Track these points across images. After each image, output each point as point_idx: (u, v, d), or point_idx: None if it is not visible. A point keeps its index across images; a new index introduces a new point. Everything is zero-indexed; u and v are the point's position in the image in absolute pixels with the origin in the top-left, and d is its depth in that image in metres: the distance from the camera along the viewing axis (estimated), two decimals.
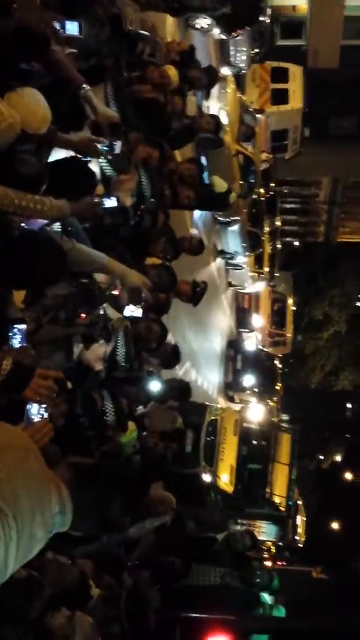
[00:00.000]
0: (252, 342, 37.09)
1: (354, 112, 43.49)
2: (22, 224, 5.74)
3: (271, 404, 42.69)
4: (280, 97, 31.93)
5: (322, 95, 37.01)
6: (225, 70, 23.76)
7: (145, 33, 8.60)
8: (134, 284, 6.94)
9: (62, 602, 6.10)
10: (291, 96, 32.18)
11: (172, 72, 9.54)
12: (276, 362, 38.94)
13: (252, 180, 26.87)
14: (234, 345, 34.77)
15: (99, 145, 6.53)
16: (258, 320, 38.88)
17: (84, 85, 6.48)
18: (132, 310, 6.93)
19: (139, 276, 7.17)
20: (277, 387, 39.92)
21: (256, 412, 36.68)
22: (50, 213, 5.78)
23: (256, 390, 36.08)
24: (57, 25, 6.42)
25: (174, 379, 11.90)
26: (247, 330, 37.70)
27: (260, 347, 38.30)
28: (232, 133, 23.84)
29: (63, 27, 6.56)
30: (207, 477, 20.10)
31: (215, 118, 11.38)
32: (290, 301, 42.31)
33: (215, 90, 22.20)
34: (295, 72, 32.23)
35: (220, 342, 31.82)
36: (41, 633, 5.74)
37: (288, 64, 32.35)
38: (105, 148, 6.63)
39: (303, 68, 33.04)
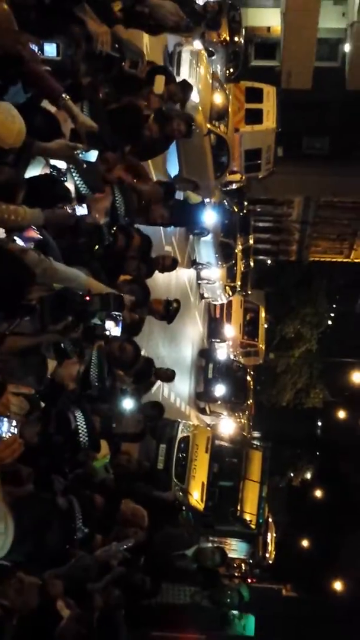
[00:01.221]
0: (223, 352, 36.79)
1: (326, 132, 43.91)
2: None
3: (243, 420, 42.66)
4: (255, 116, 32.09)
5: (295, 115, 37.36)
6: (197, 44, 22.70)
7: (115, 54, 8.64)
8: None
9: (31, 625, 6.09)
10: (265, 116, 32.33)
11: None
12: (248, 372, 38.76)
13: (224, 160, 26.39)
14: (205, 354, 34.54)
15: (76, 152, 6.57)
16: (230, 330, 38.56)
17: (63, 95, 6.54)
18: (111, 329, 6.94)
19: (118, 293, 7.19)
20: (248, 400, 39.76)
21: (227, 426, 36.69)
22: (24, 222, 5.80)
23: (227, 402, 35.94)
24: (35, 48, 6.47)
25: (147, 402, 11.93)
26: (218, 340, 37.44)
27: (232, 357, 38.07)
28: (204, 111, 23.13)
29: (41, 49, 6.62)
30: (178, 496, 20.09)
31: (186, 118, 11.37)
32: (263, 311, 42.10)
33: (186, 66, 22.03)
34: (269, 92, 32.42)
35: (191, 352, 31.54)
36: None
37: (262, 84, 32.56)
38: (83, 155, 6.67)
39: (277, 88, 33.26)
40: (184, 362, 29.61)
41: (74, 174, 7.36)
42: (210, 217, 27.14)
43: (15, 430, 4.87)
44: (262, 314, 41.87)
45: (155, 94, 10.46)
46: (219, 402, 35.72)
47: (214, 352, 35.87)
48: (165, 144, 11.15)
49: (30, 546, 4.04)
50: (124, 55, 8.97)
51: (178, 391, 26.78)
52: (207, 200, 25.52)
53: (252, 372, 41.63)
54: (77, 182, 7.46)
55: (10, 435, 4.82)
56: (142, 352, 14.19)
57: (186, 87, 11.57)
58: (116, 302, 6.60)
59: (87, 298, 6.22)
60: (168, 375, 12.60)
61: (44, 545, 4.21)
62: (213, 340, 37.26)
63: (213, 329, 37.63)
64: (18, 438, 4.70)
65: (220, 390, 34.26)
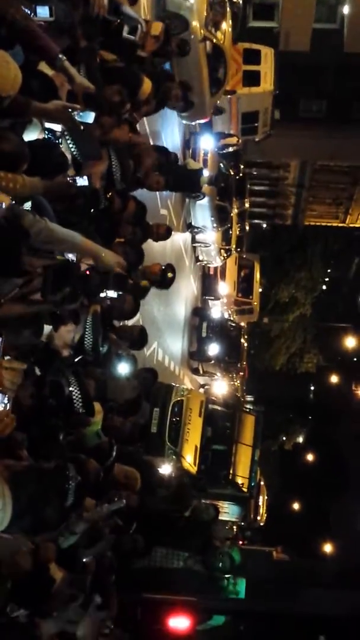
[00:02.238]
0: (217, 310, 36.37)
1: (324, 95, 43.52)
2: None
3: (236, 381, 42.68)
4: (252, 78, 31.80)
5: (292, 78, 36.99)
6: None
7: (112, 19, 8.54)
8: (109, 264, 6.91)
9: (24, 591, 6.11)
10: (262, 78, 32.04)
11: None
12: (242, 333, 38.45)
13: (221, 75, 24.90)
14: (199, 313, 34.09)
15: (74, 113, 6.49)
16: (224, 287, 37.97)
17: (60, 55, 6.45)
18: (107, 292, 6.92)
19: (114, 255, 7.15)
20: (242, 361, 39.65)
21: (221, 387, 36.68)
22: (22, 190, 5.72)
23: (221, 361, 35.83)
24: (27, 10, 6.36)
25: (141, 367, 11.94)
26: (212, 297, 36.97)
27: (227, 316, 37.65)
28: (200, 16, 21.46)
29: (34, 12, 6.52)
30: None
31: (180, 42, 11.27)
32: (257, 267, 41.38)
33: None
34: (267, 54, 32.09)
35: (184, 312, 31.17)
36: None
37: (260, 45, 32.24)
38: (80, 117, 6.60)
39: (275, 50, 32.93)
40: (178, 321, 29.48)
41: (68, 142, 7.28)
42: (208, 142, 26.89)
43: (8, 405, 4.84)
44: (257, 270, 41.13)
45: (152, 36, 10.39)
46: (213, 362, 35.55)
47: (208, 310, 35.44)
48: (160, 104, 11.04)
49: (29, 521, 4.04)
50: (122, 21, 8.86)
51: (172, 352, 26.78)
52: (199, 120, 24.54)
53: (246, 336, 41.52)
54: (72, 150, 7.38)
55: (2, 409, 4.80)
56: (138, 316, 14.20)
57: (184, 44, 11.48)
58: (116, 281, 6.59)
59: (87, 273, 6.19)
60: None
61: (43, 521, 4.21)
62: (207, 297, 36.77)
63: (207, 287, 36.90)
64: (10, 413, 4.66)
65: (214, 349, 33.87)
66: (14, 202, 5.87)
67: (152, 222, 11.28)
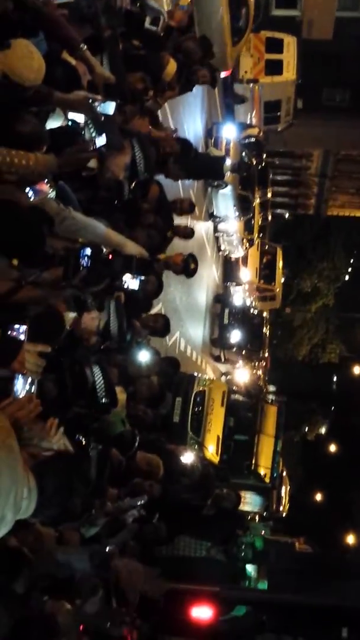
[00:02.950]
0: (239, 297, 36.05)
1: (347, 84, 43.17)
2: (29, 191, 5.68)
3: (258, 370, 42.49)
4: (274, 67, 31.68)
5: (315, 66, 36.72)
6: None
7: (135, 10, 8.54)
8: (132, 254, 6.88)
9: (48, 579, 6.12)
10: (285, 67, 31.91)
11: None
12: (265, 321, 38.17)
13: (242, 24, 23.81)
14: (220, 299, 33.94)
15: (95, 104, 6.46)
16: (246, 273, 37.60)
17: (81, 45, 6.43)
18: (130, 281, 6.88)
19: (136, 247, 7.12)
20: (264, 349, 39.42)
21: (243, 375, 36.53)
22: (36, 167, 5.67)
23: (243, 348, 35.65)
24: None
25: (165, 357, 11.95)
26: (234, 283, 36.57)
27: (249, 303, 37.37)
28: None
29: None
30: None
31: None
32: (280, 254, 40.91)
33: None
34: (290, 42, 31.95)
35: (205, 298, 31.03)
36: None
37: (282, 34, 32.08)
38: (101, 107, 6.57)
39: (297, 39, 32.74)
40: (199, 309, 29.40)
41: (91, 131, 7.23)
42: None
43: (32, 389, 4.82)
44: (280, 257, 40.68)
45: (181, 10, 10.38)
46: (235, 349, 35.39)
47: (230, 297, 35.20)
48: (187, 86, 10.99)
49: (55, 511, 4.02)
50: (144, 12, 8.84)
51: (193, 341, 26.75)
52: (221, 73, 22.88)
53: (268, 326, 41.33)
54: (95, 138, 7.33)
55: (27, 394, 4.77)
56: (160, 305, 14.18)
57: (205, 43, 11.40)
58: (139, 264, 6.55)
59: (110, 256, 6.15)
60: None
61: (68, 509, 4.19)
62: (228, 284, 36.51)
63: (229, 273, 36.64)
64: (35, 397, 4.63)
65: (236, 336, 33.79)
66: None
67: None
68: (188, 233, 11.43)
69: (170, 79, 9.18)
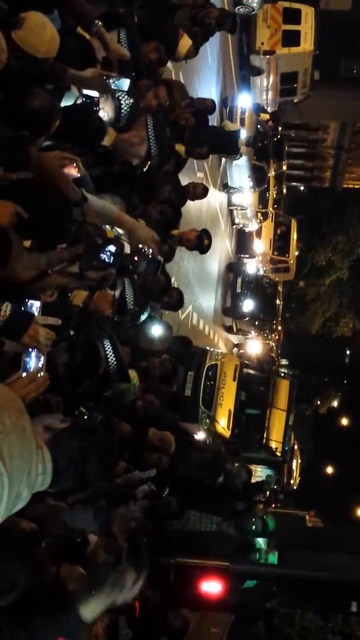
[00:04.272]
0: (253, 266, 35.60)
1: None
2: None
3: (271, 341, 42.34)
4: (292, 38, 31.38)
5: (333, 37, 36.42)
6: None
7: None
8: (142, 238, 6.86)
9: (62, 550, 6.15)
10: (302, 38, 31.61)
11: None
12: (278, 289, 37.85)
13: None
14: (233, 268, 33.34)
15: (110, 81, 6.42)
16: (260, 245, 37.08)
17: (96, 22, 6.38)
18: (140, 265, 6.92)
19: (148, 230, 7.09)
20: (277, 318, 39.13)
21: (255, 347, 36.37)
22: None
23: (256, 318, 35.42)
24: None
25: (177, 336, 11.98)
26: (247, 255, 36.06)
27: (262, 272, 36.96)
28: None
29: None
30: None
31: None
32: (294, 225, 40.18)
33: None
34: (308, 13, 31.62)
35: (217, 270, 30.60)
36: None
37: (300, 4, 31.75)
38: (116, 84, 6.53)
39: (315, 9, 32.41)
40: (212, 282, 29.21)
41: (119, 95, 7.13)
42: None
43: (42, 363, 4.82)
44: (294, 228, 40.04)
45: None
46: (247, 319, 35.09)
47: (243, 266, 34.62)
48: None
49: (71, 484, 4.06)
50: None
51: (206, 314, 26.67)
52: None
53: (281, 299, 41.11)
54: (123, 103, 7.19)
55: (37, 368, 4.78)
56: (173, 279, 14.15)
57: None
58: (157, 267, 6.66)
59: (135, 259, 6.22)
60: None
61: (84, 482, 4.22)
62: (241, 256, 35.92)
63: (242, 244, 35.96)
64: (44, 372, 4.65)
65: (248, 305, 33.20)
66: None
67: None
68: (199, 194, 11.30)
69: (184, 55, 9.10)
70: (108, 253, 5.86)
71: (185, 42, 9.07)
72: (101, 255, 5.84)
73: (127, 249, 6.71)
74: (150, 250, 6.81)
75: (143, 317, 8.85)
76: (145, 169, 8.08)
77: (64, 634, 4.50)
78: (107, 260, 5.85)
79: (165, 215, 9.20)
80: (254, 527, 12.39)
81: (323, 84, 37.87)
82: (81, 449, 4.02)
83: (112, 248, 5.88)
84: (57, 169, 5.67)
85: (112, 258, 5.87)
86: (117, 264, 6.08)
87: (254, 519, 12.59)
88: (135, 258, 6.34)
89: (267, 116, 31.44)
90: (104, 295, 7.32)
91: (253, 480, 25.35)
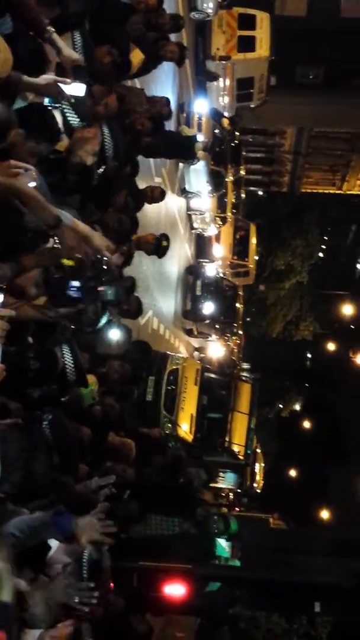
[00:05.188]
0: (212, 269, 35.34)
1: (321, 61, 43.20)
2: None
3: (232, 343, 42.34)
4: (247, 44, 31.50)
5: (289, 43, 36.63)
6: None
7: None
8: (98, 247, 6.88)
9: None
10: (258, 44, 31.74)
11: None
12: (237, 292, 37.75)
13: None
14: (193, 271, 33.23)
15: (65, 87, 6.42)
16: (219, 250, 36.78)
17: (48, 27, 6.37)
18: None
19: (103, 238, 7.10)
20: (237, 322, 39.13)
21: (216, 350, 36.34)
22: None
23: (216, 321, 35.37)
24: None
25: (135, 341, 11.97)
26: (207, 260, 35.77)
27: (222, 274, 36.79)
28: None
29: None
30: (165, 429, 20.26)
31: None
32: (254, 230, 40.15)
33: None
34: (263, 19, 31.78)
35: (177, 275, 30.42)
36: None
37: (255, 10, 31.90)
38: (70, 90, 6.53)
39: (270, 15, 32.60)
40: (172, 287, 29.17)
41: (63, 106, 7.18)
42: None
43: None
44: (253, 233, 40.01)
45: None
46: (208, 322, 34.89)
47: (203, 268, 34.41)
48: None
49: (19, 475, 4.06)
50: None
51: (166, 318, 26.66)
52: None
53: (242, 303, 41.22)
54: (67, 113, 7.28)
55: None
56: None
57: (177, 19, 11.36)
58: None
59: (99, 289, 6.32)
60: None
61: (32, 475, 4.23)
62: (201, 260, 35.71)
63: (201, 249, 35.96)
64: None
65: (209, 308, 33.08)
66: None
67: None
68: (157, 196, 11.33)
69: (135, 70, 9.14)
70: (74, 289, 5.92)
71: (137, 56, 9.10)
72: (68, 293, 5.91)
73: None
74: (106, 259, 6.83)
75: (102, 322, 8.85)
76: (100, 171, 8.08)
77: None
78: (74, 296, 5.92)
79: (123, 225, 9.22)
80: (215, 527, 12.45)
81: (279, 90, 38.10)
82: (29, 445, 4.04)
83: (75, 283, 5.93)
84: (30, 190, 5.70)
85: (78, 293, 5.92)
86: (85, 298, 6.14)
87: (216, 519, 12.66)
88: (100, 288, 6.39)
89: (224, 121, 31.56)
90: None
91: (213, 484, 25.49)
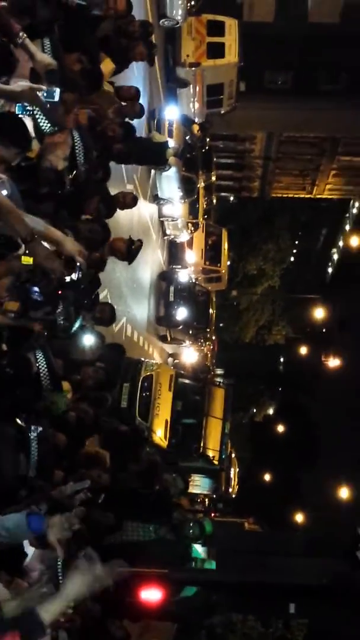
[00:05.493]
0: (185, 274, 35.43)
1: (289, 67, 43.38)
2: None
3: (205, 349, 42.41)
4: (216, 50, 31.61)
5: (257, 49, 36.77)
6: None
7: (83, 3, 8.55)
8: (70, 252, 6.90)
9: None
10: (227, 50, 31.85)
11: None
12: (210, 297, 37.85)
13: None
14: (165, 277, 33.28)
15: (39, 93, 6.46)
16: (191, 256, 36.91)
17: (20, 33, 6.40)
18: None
19: (75, 244, 7.13)
20: (211, 327, 39.17)
21: (190, 356, 36.37)
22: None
23: (190, 326, 35.40)
24: None
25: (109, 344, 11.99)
26: (179, 266, 35.84)
27: (194, 280, 36.90)
28: None
29: None
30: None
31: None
32: (225, 235, 40.40)
33: None
34: (231, 25, 31.91)
35: (150, 281, 30.48)
36: None
37: (224, 17, 32.04)
38: (45, 96, 6.57)
39: (239, 21, 32.75)
40: (145, 293, 29.23)
41: (35, 111, 7.21)
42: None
43: None
44: (225, 238, 40.31)
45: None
46: (181, 327, 34.91)
47: (175, 274, 34.56)
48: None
49: None
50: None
51: (140, 325, 26.67)
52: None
53: (214, 308, 41.28)
54: (38, 118, 7.31)
55: None
56: (105, 292, 14.15)
57: (146, 26, 11.43)
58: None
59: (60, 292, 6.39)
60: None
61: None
62: (174, 267, 35.73)
63: (174, 255, 35.84)
64: None
65: (182, 313, 33.13)
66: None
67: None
68: (129, 202, 11.35)
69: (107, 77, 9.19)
70: (36, 292, 5.98)
71: (108, 65, 9.14)
72: (31, 296, 5.98)
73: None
74: (78, 263, 6.87)
75: (75, 327, 8.84)
76: (71, 177, 8.10)
77: None
78: (38, 299, 5.98)
79: (95, 234, 9.23)
80: (191, 531, 12.47)
81: (248, 95, 38.19)
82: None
83: (35, 288, 6.03)
84: (6, 202, 5.74)
85: (40, 296, 6.00)
86: (49, 301, 6.20)
87: (191, 524, 12.67)
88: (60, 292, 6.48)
89: (195, 127, 31.64)
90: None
91: (191, 490, 25.50)
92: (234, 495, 38.16)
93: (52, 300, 6.49)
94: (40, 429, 6.04)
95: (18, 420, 6.81)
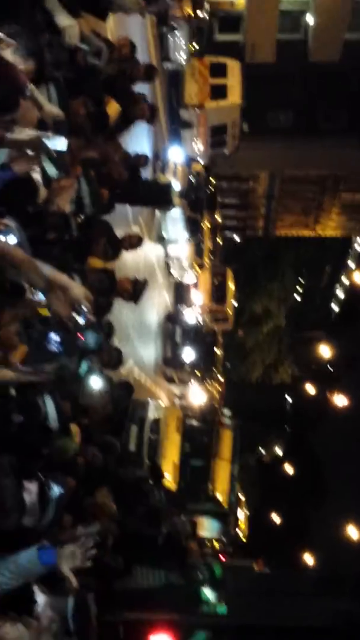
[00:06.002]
0: (192, 316, 35.74)
1: (290, 105, 43.72)
2: None
3: (212, 389, 42.36)
4: (219, 92, 31.98)
5: (259, 89, 37.13)
6: None
7: (85, 47, 8.64)
8: (77, 297, 6.89)
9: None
10: (230, 91, 32.24)
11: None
12: (216, 338, 37.92)
13: None
14: (172, 318, 33.42)
15: (46, 141, 6.49)
16: (197, 296, 37.26)
17: (28, 86, 6.45)
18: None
19: (82, 289, 7.12)
20: (217, 367, 39.16)
21: (197, 396, 36.34)
22: None
23: (197, 367, 35.36)
24: None
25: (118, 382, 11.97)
26: (186, 307, 35.97)
27: (201, 321, 37.14)
28: None
29: None
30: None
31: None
32: (231, 275, 40.82)
33: None
34: (234, 67, 32.32)
35: (157, 323, 30.77)
36: None
37: (226, 58, 32.44)
38: (52, 144, 6.60)
39: (241, 63, 33.13)
40: (152, 335, 29.29)
41: (42, 160, 7.24)
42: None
43: None
44: (230, 278, 40.63)
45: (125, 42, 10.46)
46: (188, 368, 35.11)
47: (181, 316, 34.77)
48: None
49: None
50: (90, 46, 8.95)
51: (147, 367, 26.65)
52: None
53: (221, 348, 41.30)
54: (46, 166, 7.34)
55: None
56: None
57: (151, 69, 11.56)
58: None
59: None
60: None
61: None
62: (180, 308, 35.85)
63: (180, 296, 35.97)
64: None
65: (189, 354, 33.44)
66: None
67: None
68: (135, 243, 11.41)
69: (112, 120, 9.25)
70: (55, 343, 5.94)
71: (113, 107, 9.20)
72: (48, 347, 5.94)
73: None
74: (85, 308, 6.85)
75: (82, 370, 8.83)
76: (79, 221, 8.13)
77: None
78: (55, 350, 5.95)
79: (102, 284, 9.26)
80: (201, 575, 12.36)
81: (252, 135, 38.50)
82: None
83: (56, 337, 5.95)
84: (20, 254, 5.75)
85: (60, 347, 5.95)
86: (66, 352, 6.17)
87: (200, 567, 12.57)
88: (80, 335, 6.41)
89: (199, 168, 31.89)
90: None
91: (200, 533, 25.29)
92: (243, 539, 37.82)
93: (70, 352, 6.45)
94: (61, 490, 5.97)
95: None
